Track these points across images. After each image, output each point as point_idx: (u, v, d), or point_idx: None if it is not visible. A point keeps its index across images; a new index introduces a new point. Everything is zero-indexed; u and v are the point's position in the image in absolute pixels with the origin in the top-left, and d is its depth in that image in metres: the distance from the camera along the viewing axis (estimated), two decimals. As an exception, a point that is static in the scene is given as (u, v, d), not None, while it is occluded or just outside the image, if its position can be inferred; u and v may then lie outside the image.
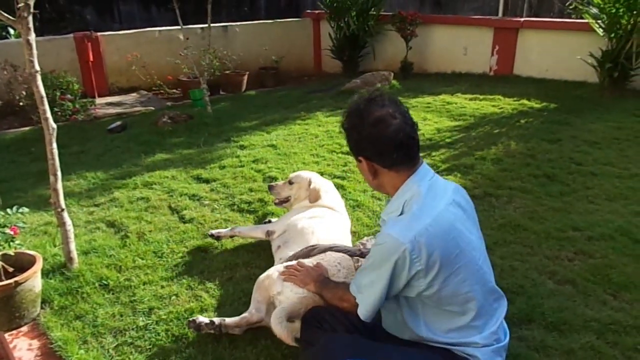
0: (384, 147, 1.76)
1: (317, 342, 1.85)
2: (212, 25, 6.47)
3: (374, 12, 8.65)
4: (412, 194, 1.76)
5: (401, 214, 1.76)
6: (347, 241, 2.75)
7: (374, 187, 1.92)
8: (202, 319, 2.34)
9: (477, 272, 1.77)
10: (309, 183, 3.01)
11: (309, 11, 10.05)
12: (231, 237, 3.21)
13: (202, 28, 7.39)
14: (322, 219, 2.82)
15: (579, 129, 5.24)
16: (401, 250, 1.65)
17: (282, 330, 2.07)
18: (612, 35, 6.36)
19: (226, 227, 3.29)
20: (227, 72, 7.95)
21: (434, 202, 1.74)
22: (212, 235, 3.19)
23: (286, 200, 3.12)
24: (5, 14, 2.56)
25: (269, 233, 2.98)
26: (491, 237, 3.16)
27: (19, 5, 2.51)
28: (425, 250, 1.65)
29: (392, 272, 1.69)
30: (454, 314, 1.75)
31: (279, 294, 2.26)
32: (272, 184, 3.21)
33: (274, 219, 3.31)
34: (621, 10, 6.15)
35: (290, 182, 3.08)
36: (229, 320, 2.30)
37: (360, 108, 1.81)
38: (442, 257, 1.67)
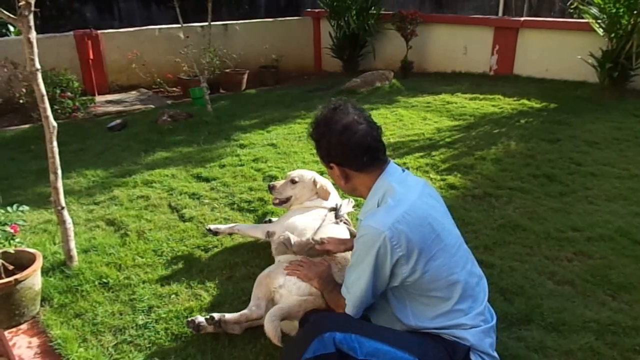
0: (353, 152, 1.87)
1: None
2: (212, 23, 6.47)
3: (374, 11, 8.65)
4: (385, 190, 1.86)
5: None
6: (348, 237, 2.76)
7: (347, 191, 2.03)
8: (202, 318, 2.34)
9: (455, 255, 1.86)
10: (315, 182, 2.98)
11: (309, 10, 10.05)
12: (229, 234, 3.20)
13: (202, 26, 7.38)
14: (322, 219, 2.81)
15: (579, 129, 5.25)
16: (381, 238, 1.72)
17: (272, 330, 2.08)
18: (613, 35, 6.36)
19: (216, 226, 3.23)
20: (227, 70, 7.94)
21: (407, 193, 1.84)
22: (209, 230, 3.17)
23: (286, 200, 3.04)
24: (6, 12, 2.55)
25: (269, 234, 2.96)
26: (490, 238, 3.17)
27: (20, 3, 2.51)
28: (404, 236, 1.73)
29: (375, 261, 1.76)
30: (439, 300, 1.82)
31: (280, 287, 2.27)
32: (272, 183, 3.12)
33: (274, 218, 3.31)
34: (621, 10, 6.15)
35: (293, 182, 3.00)
36: (228, 316, 2.30)
37: (327, 117, 1.93)
38: (420, 242, 1.76)
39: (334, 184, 3.20)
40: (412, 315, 1.86)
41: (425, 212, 1.82)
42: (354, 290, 1.86)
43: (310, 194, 2.97)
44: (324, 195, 2.96)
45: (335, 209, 2.86)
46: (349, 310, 1.88)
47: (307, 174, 3.03)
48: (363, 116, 1.91)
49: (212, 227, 3.19)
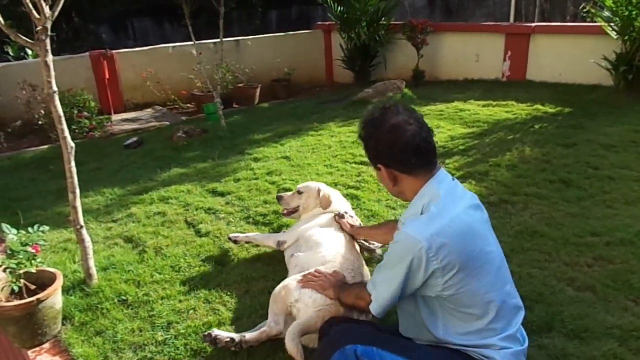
0: (401, 153, 1.80)
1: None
2: (224, 39, 6.55)
3: (385, 22, 8.70)
4: (431, 197, 1.79)
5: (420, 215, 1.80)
6: (355, 245, 2.77)
7: (395, 193, 1.95)
8: (218, 332, 2.35)
9: (496, 274, 1.79)
10: (318, 191, 3.06)
11: (319, 23, 10.15)
12: (247, 242, 3.31)
13: (214, 43, 7.49)
14: (332, 226, 2.85)
15: (595, 132, 5.18)
16: (417, 248, 1.67)
17: (293, 347, 2.09)
18: (626, 38, 6.30)
19: (235, 234, 3.36)
20: (240, 85, 8.04)
21: (453, 204, 1.78)
22: (229, 239, 3.31)
23: (295, 210, 3.17)
24: (24, 37, 2.62)
25: (279, 243, 3.03)
26: (508, 245, 3.14)
27: (38, 28, 2.57)
28: (442, 249, 1.67)
29: (408, 270, 1.71)
30: (472, 316, 1.76)
31: (296, 302, 2.28)
32: (280, 194, 3.27)
33: (288, 231, 3.35)
34: (634, 12, 6.10)
35: (299, 192, 3.14)
36: (248, 335, 2.31)
37: (375, 117, 1.86)
38: (460, 257, 1.69)
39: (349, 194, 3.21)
40: (443, 328, 1.81)
41: (469, 225, 1.76)
42: (381, 291, 1.83)
43: (316, 203, 3.06)
44: (325, 204, 3.01)
45: (341, 215, 2.87)
46: (374, 308, 1.85)
47: (313, 185, 3.14)
48: (414, 117, 1.84)
49: (231, 235, 3.32)
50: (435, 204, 1.76)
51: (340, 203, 3.08)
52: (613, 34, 6.45)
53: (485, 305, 1.75)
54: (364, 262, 2.60)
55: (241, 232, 3.53)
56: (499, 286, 1.79)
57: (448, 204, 1.76)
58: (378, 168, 1.88)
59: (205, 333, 2.37)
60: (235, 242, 3.30)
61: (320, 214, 2.99)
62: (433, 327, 1.83)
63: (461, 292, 1.71)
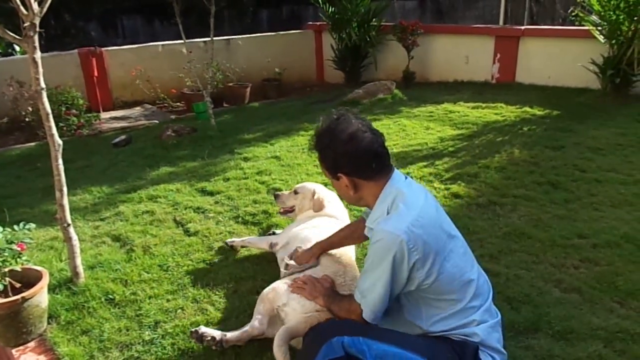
0: (361, 160, 1.87)
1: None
2: (214, 38, 6.52)
3: (375, 23, 8.72)
4: (395, 195, 1.86)
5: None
6: (350, 248, 2.76)
7: (354, 201, 2.02)
8: (205, 329, 2.35)
9: (464, 255, 1.89)
10: (313, 193, 3.05)
11: (310, 23, 10.13)
12: (242, 247, 3.29)
13: (205, 42, 7.45)
14: (325, 228, 2.83)
15: (582, 135, 5.24)
16: (398, 242, 1.72)
17: (281, 356, 2.08)
18: (613, 41, 6.38)
19: (232, 239, 3.34)
20: (230, 84, 8.01)
21: (416, 197, 1.86)
22: (226, 243, 3.31)
23: (291, 210, 3.16)
24: (11, 33, 2.59)
25: (272, 245, 3.02)
26: (496, 246, 3.16)
27: (25, 24, 2.54)
28: (420, 239, 1.74)
29: (393, 266, 1.75)
30: (453, 301, 1.83)
31: (284, 306, 2.27)
32: (277, 192, 3.25)
33: (278, 231, 3.34)
34: (621, 17, 6.17)
35: (296, 192, 3.12)
36: (230, 335, 2.30)
37: (331, 127, 1.92)
38: (434, 244, 1.77)
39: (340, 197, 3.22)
40: (426, 319, 1.86)
41: (434, 215, 1.85)
42: (371, 296, 1.84)
43: (310, 205, 3.04)
44: (317, 207, 3.01)
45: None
46: (367, 315, 1.86)
47: (309, 186, 3.12)
48: (366, 124, 1.91)
49: (228, 241, 3.32)
50: (402, 201, 1.82)
51: (335, 207, 3.07)
52: (601, 38, 6.53)
53: (464, 287, 1.83)
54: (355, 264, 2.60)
55: (230, 232, 3.53)
56: (469, 267, 1.88)
57: (412, 198, 1.84)
58: (338, 177, 1.92)
59: (193, 330, 2.37)
60: (232, 247, 3.28)
61: (314, 217, 2.97)
62: (417, 319, 1.88)
63: (441, 278, 1.78)
